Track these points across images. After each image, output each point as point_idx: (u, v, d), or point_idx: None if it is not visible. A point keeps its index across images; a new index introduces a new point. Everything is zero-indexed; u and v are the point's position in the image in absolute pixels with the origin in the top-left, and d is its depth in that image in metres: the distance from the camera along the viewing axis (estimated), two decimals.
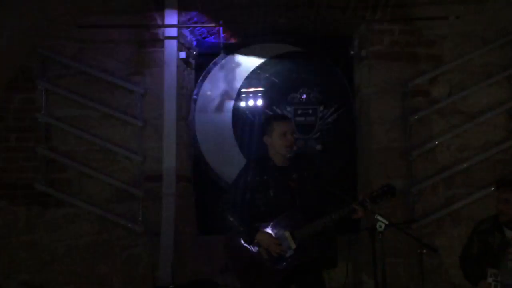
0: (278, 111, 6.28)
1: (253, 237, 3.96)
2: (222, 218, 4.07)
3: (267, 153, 4.21)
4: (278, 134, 4.10)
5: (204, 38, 6.39)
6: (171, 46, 5.95)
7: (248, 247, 4.01)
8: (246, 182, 4.12)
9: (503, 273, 4.32)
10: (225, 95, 6.36)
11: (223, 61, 6.39)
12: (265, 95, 6.35)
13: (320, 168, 5.94)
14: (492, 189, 5.68)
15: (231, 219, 4.03)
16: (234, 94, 6.36)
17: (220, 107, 6.35)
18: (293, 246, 3.94)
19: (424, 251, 5.42)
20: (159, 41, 5.96)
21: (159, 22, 5.95)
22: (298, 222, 3.98)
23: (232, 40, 6.43)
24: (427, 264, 5.56)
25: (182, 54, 6.03)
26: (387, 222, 3.96)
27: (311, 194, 4.13)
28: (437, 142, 5.79)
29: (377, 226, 4.00)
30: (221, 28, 6.24)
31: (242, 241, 4.02)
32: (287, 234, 3.95)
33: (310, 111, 6.30)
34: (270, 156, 4.19)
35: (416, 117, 5.79)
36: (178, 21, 5.93)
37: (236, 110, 6.34)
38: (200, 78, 6.37)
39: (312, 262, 4.05)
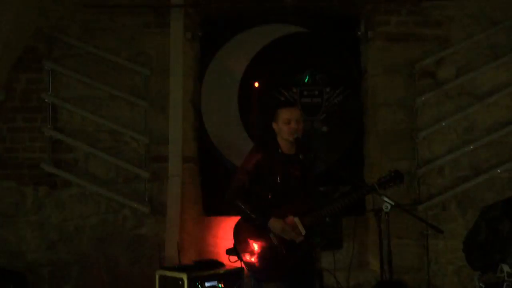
0: (284, 92, 6.26)
1: (266, 224, 3.97)
2: (232, 204, 4.07)
3: (275, 138, 4.21)
4: (283, 120, 4.10)
5: (210, 18, 6.35)
6: (177, 26, 5.93)
7: (260, 233, 4.02)
8: (254, 167, 4.11)
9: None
10: (231, 76, 6.33)
11: (230, 42, 6.35)
12: (271, 76, 6.32)
13: (325, 150, 5.99)
14: (499, 170, 5.68)
15: (242, 206, 4.03)
16: (240, 75, 6.32)
17: (226, 88, 6.33)
18: (303, 232, 3.95)
19: (430, 232, 5.48)
20: (165, 21, 5.94)
21: (165, 1, 5.92)
22: (306, 208, 4.00)
23: (239, 21, 6.38)
24: (432, 245, 5.59)
25: (189, 35, 6.01)
26: (393, 203, 3.97)
27: (317, 181, 4.16)
28: (443, 124, 5.77)
29: (383, 207, 4.00)
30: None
31: (253, 227, 4.02)
32: (296, 220, 3.96)
33: (316, 93, 6.28)
34: (278, 142, 4.19)
35: (423, 98, 5.78)
36: (184, 1, 5.90)
37: (242, 91, 6.31)
38: (206, 59, 6.34)
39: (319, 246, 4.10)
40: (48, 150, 5.85)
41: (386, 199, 3.95)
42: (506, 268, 4.06)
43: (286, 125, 4.07)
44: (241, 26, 6.37)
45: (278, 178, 4.07)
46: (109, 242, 5.77)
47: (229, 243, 4.34)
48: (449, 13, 5.88)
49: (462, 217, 5.68)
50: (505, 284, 4.06)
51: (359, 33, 6.23)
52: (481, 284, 4.22)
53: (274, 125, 4.18)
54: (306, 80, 6.29)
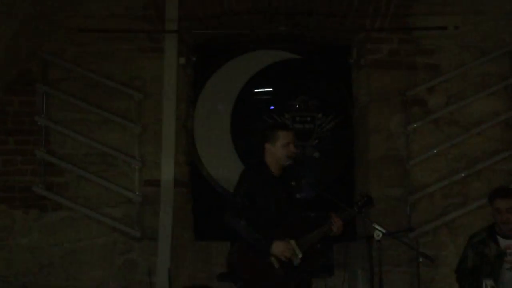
0: (276, 117, 6.29)
1: (270, 245, 3.92)
2: (235, 225, 3.97)
3: (263, 159, 4.17)
4: (282, 143, 4.06)
5: (204, 44, 6.40)
6: (171, 51, 5.97)
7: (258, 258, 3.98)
8: (248, 190, 4.07)
9: (499, 284, 4.30)
10: (224, 101, 6.37)
11: (223, 67, 6.40)
12: (263, 102, 6.36)
13: (316, 176, 6.01)
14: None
15: (247, 226, 3.91)
16: (233, 100, 6.36)
17: (219, 113, 6.36)
18: (300, 254, 3.94)
19: (421, 259, 5.48)
20: (159, 47, 5.98)
21: (160, 27, 5.96)
22: (299, 231, 3.99)
23: (232, 47, 6.44)
24: (423, 273, 5.59)
25: (182, 60, 6.05)
26: (384, 231, 3.98)
27: (305, 203, 4.17)
28: (435, 151, 5.81)
29: (375, 235, 4.01)
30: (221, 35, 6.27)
31: (254, 250, 3.96)
32: (292, 243, 3.95)
33: (308, 119, 6.32)
34: (267, 163, 4.16)
35: (414, 126, 5.82)
36: (179, 27, 5.95)
37: (235, 116, 6.34)
38: (200, 84, 6.38)
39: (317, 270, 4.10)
40: (40, 173, 5.83)
41: (377, 227, 3.96)
42: (489, 282, 4.07)
43: (285, 148, 4.04)
44: (234, 52, 6.43)
45: (270, 201, 4.05)
46: (99, 266, 5.72)
47: (221, 268, 4.32)
48: (440, 43, 5.95)
49: (453, 244, 5.69)
50: None
51: (351, 60, 6.31)
52: None
53: (268, 146, 4.11)
54: (298, 106, 6.33)
